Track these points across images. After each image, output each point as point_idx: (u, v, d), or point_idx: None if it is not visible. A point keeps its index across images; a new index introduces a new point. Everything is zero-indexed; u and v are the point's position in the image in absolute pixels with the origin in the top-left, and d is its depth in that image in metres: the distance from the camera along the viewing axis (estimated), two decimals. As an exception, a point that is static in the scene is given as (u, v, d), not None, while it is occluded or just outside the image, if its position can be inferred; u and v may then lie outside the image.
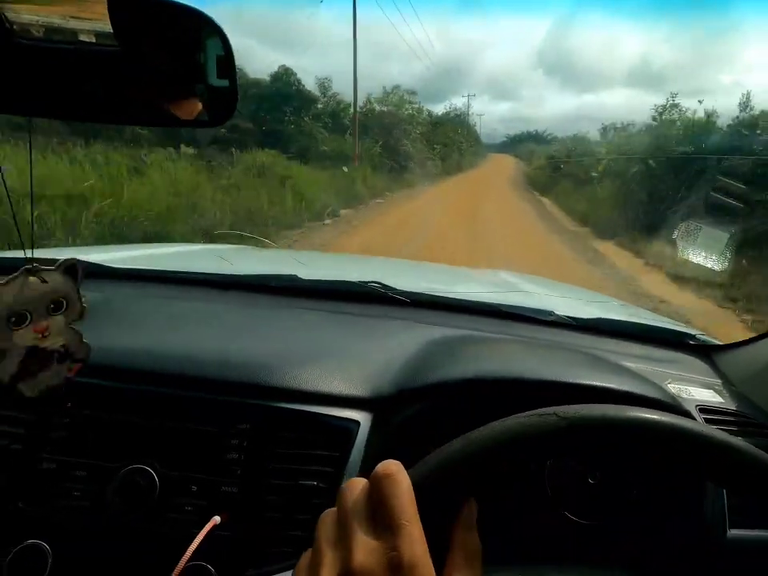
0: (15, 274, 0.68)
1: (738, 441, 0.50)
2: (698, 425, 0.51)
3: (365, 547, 0.43)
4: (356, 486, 0.48)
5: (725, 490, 0.88)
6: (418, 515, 0.44)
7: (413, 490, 0.46)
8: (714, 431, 0.50)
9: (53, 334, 0.73)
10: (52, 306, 0.73)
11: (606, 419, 0.50)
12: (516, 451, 0.49)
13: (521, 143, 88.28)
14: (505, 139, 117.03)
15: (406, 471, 0.47)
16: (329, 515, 0.48)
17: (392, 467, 0.47)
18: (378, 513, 0.45)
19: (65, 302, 0.74)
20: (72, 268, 0.74)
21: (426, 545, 0.43)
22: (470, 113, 56.97)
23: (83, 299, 0.76)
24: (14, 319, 0.69)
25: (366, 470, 0.84)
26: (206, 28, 0.56)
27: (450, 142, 33.95)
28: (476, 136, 62.65)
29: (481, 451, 0.49)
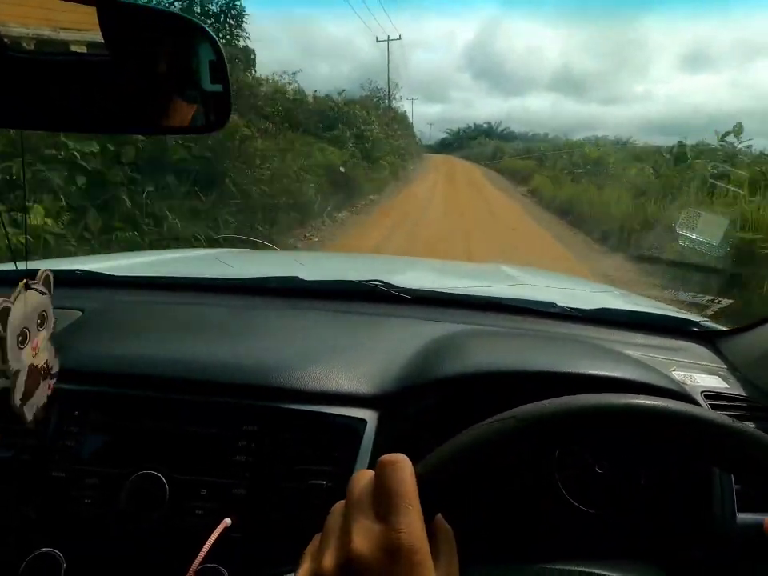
0: (18, 289, 0.66)
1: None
2: (650, 398, 0.51)
3: (365, 532, 0.43)
4: (363, 476, 0.49)
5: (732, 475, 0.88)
6: (419, 502, 0.45)
7: (416, 480, 0.46)
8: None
9: (41, 350, 0.71)
10: (38, 320, 0.70)
11: (559, 412, 0.50)
12: (487, 457, 0.49)
13: (470, 141, 67.92)
14: (446, 135, 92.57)
15: (410, 461, 0.48)
16: (338, 506, 0.49)
17: (396, 456, 0.48)
18: (381, 498, 0.45)
19: (45, 315, 0.72)
20: (47, 279, 0.72)
21: (425, 531, 0.44)
22: (393, 91, 30.68)
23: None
24: (20, 338, 0.66)
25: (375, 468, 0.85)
26: (196, 34, 0.56)
27: (353, 120, 16.81)
28: (407, 123, 37.45)
29: (456, 457, 0.49)
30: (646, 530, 0.93)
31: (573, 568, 0.87)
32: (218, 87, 0.61)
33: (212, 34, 0.56)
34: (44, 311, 0.71)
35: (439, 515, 0.49)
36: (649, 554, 0.91)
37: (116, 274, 1.40)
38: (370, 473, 0.49)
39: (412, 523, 0.43)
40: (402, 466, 0.47)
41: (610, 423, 0.50)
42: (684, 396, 0.94)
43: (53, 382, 0.76)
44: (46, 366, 0.73)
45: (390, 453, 0.49)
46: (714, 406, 0.97)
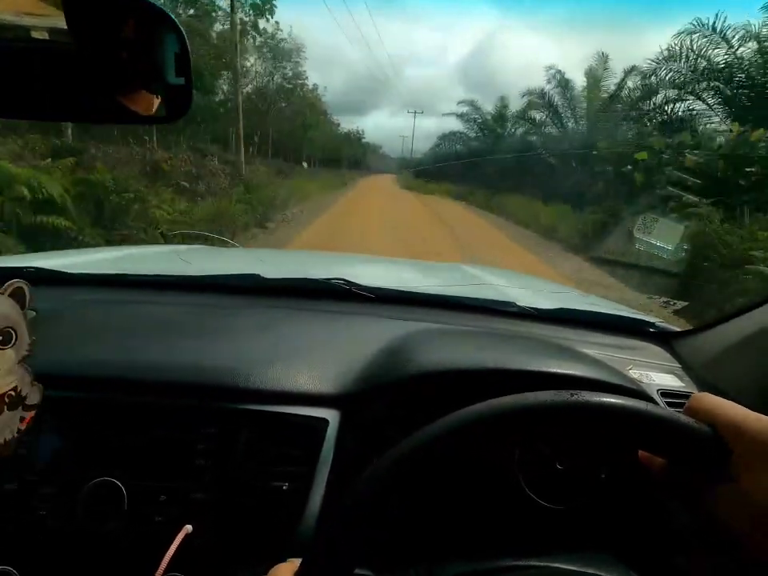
0: None
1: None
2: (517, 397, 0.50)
3: None
4: None
5: None
6: None
7: None
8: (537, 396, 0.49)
9: (2, 373, 0.63)
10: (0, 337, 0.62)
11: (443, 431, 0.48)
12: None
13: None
14: (438, 142, 42.56)
15: None
16: None
17: None
18: None
19: (14, 334, 0.63)
20: (19, 291, 0.63)
21: None
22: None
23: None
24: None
25: (337, 468, 0.84)
26: (163, 24, 0.55)
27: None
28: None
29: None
30: (607, 522, 0.94)
31: (538, 564, 0.88)
32: (181, 80, 0.59)
33: (179, 25, 0.54)
34: (10, 328, 0.63)
35: None
36: (612, 547, 0.92)
37: (71, 271, 1.35)
38: None
39: None
40: None
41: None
42: (640, 394, 0.96)
43: (29, 414, 0.67)
44: (14, 393, 0.64)
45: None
46: (670, 404, 0.99)
